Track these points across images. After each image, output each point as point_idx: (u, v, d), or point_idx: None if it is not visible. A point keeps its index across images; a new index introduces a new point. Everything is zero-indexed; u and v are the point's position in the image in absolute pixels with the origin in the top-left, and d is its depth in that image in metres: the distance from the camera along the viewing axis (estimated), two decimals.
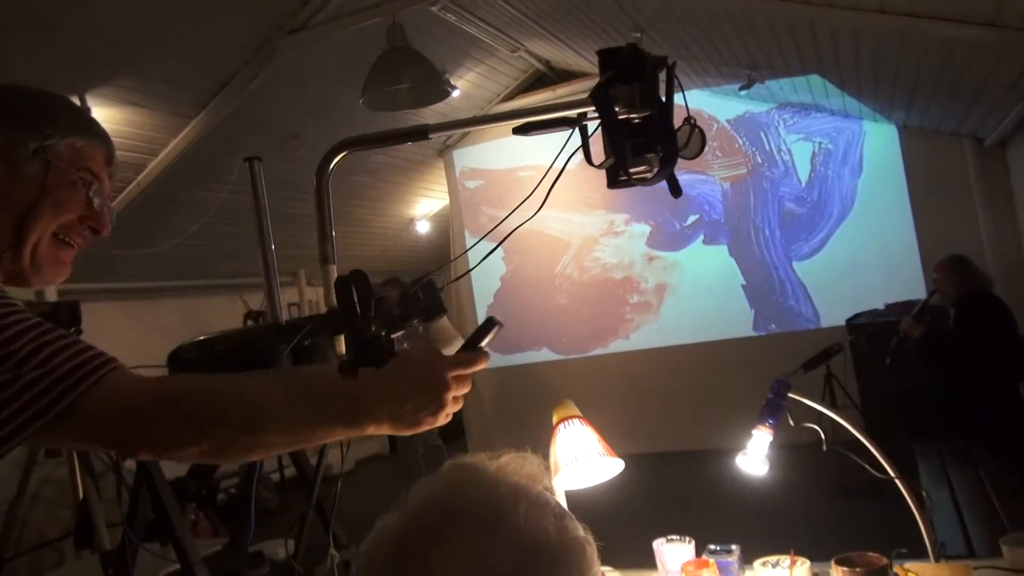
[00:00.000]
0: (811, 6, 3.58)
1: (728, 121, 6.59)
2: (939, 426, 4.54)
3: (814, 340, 5.61)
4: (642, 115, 1.20)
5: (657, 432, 6.38)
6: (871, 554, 1.35)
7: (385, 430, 0.90)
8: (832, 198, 6.29)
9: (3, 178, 0.89)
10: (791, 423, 1.46)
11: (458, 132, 8.02)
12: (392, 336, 1.26)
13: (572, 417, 1.58)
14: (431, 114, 6.13)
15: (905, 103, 5.29)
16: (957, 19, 3.26)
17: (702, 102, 6.64)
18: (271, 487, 6.46)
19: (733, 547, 1.63)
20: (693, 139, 1.31)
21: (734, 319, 6.58)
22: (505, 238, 1.43)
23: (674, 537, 1.65)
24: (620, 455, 1.53)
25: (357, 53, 4.71)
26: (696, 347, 6.66)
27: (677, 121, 1.27)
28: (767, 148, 6.49)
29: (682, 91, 1.30)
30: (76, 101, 3.98)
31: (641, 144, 1.23)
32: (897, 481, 1.42)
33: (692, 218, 6.79)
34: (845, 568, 1.32)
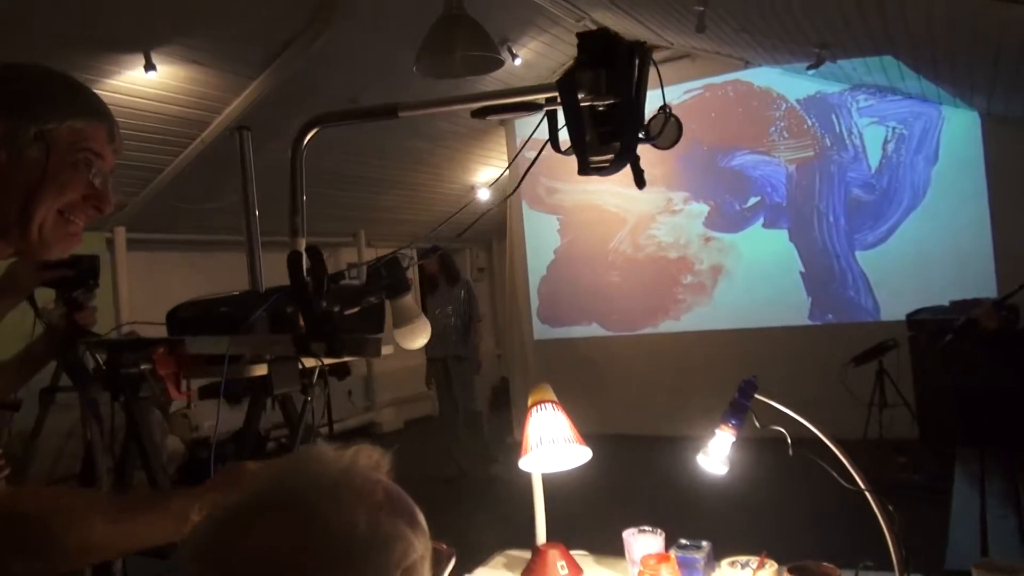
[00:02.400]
0: None
1: (798, 101, 6.33)
2: (995, 431, 4.33)
3: (872, 333, 5.43)
4: (607, 103, 1.18)
5: (701, 415, 6.29)
6: (826, 564, 1.32)
7: None
8: (903, 186, 6.00)
9: (6, 163, 0.93)
10: (757, 424, 1.42)
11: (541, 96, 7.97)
12: (347, 312, 1.30)
13: (546, 401, 1.58)
14: (492, 82, 6.10)
15: (986, 88, 4.97)
16: None
17: (772, 80, 6.41)
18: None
19: (703, 543, 1.61)
20: (668, 128, 1.28)
21: (790, 306, 6.40)
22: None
23: (646, 528, 1.64)
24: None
25: (416, 18, 4.71)
26: (748, 332, 6.52)
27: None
28: (837, 130, 6.22)
29: (660, 77, 1.26)
30: (141, 58, 4.15)
31: (607, 132, 1.20)
32: (867, 494, 1.37)
33: (753, 200, 6.60)
34: None
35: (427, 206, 8.39)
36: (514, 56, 5.94)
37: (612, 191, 7.02)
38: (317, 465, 0.65)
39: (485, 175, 8.54)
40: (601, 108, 1.19)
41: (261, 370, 1.38)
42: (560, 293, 7.46)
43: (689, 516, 2.38)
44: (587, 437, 1.62)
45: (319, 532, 0.59)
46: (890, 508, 1.36)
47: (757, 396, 1.41)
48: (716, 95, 6.69)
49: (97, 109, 1.04)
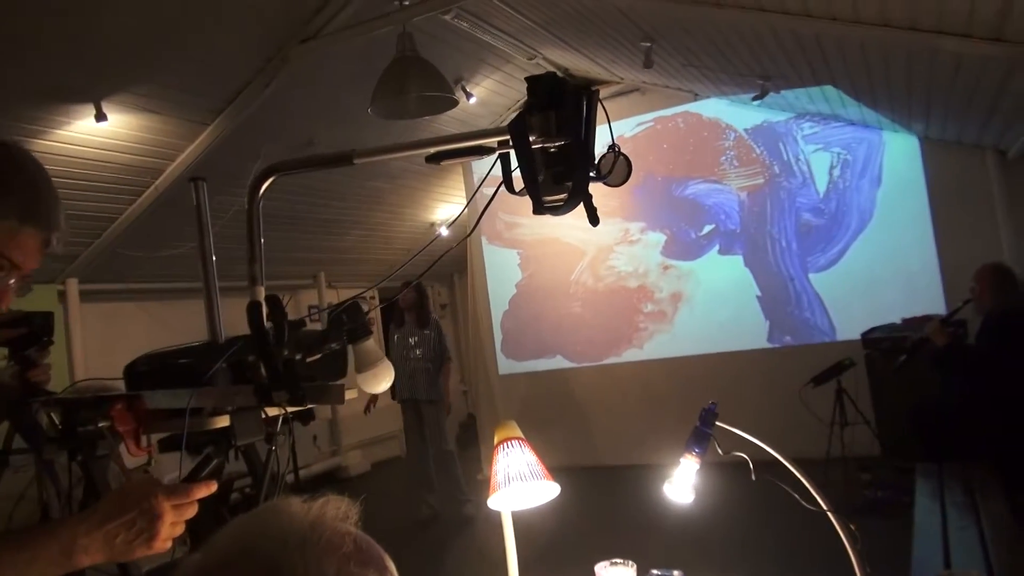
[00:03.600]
0: (814, 19, 3.54)
1: (746, 130, 6.52)
2: (953, 445, 4.43)
3: (829, 353, 5.55)
4: (558, 144, 1.21)
5: (669, 442, 6.33)
6: None
7: (99, 559, 0.97)
8: (850, 209, 6.19)
9: None
10: (719, 451, 1.45)
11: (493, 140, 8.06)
12: (309, 359, 1.30)
13: (513, 438, 1.59)
14: (450, 121, 6.18)
15: (922, 114, 5.19)
16: (961, 33, 3.20)
17: (720, 111, 6.59)
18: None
19: (675, 573, 1.63)
20: (618, 166, 1.32)
21: (749, 330, 6.51)
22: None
23: (618, 561, 1.65)
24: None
25: (370, 61, 4.77)
26: (710, 357, 6.60)
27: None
28: (785, 158, 6.41)
29: (608, 117, 1.31)
30: (91, 108, 4.12)
31: (560, 172, 1.24)
32: (829, 514, 1.40)
33: (708, 228, 6.74)
34: None
35: (387, 245, 8.39)
36: (469, 95, 6.03)
37: (571, 224, 7.11)
38: (283, 521, 0.65)
39: (444, 212, 8.58)
40: (552, 149, 1.23)
41: (223, 422, 1.36)
42: (523, 327, 7.49)
43: (660, 545, 2.39)
44: (557, 470, 1.63)
45: None
46: (852, 527, 1.39)
47: (718, 423, 1.43)
48: (667, 127, 6.85)
49: (43, 217, 1.03)
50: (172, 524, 0.98)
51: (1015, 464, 4.00)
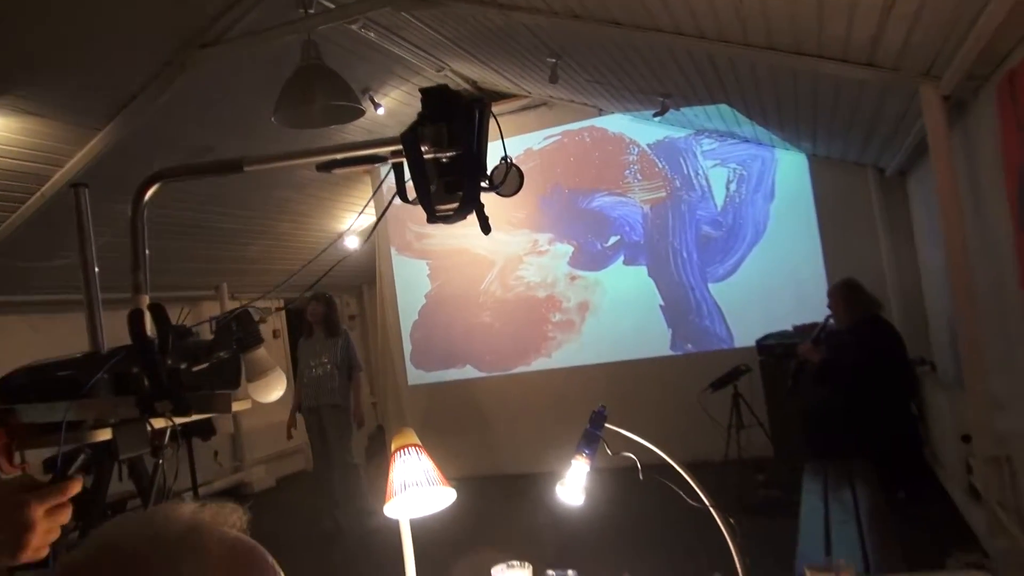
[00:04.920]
0: (708, 40, 3.71)
1: (649, 145, 6.75)
2: (835, 445, 4.70)
3: (727, 360, 5.78)
4: (450, 155, 1.24)
5: (575, 450, 6.44)
6: None
7: None
8: (746, 222, 6.49)
9: None
10: (608, 452, 1.50)
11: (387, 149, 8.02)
12: (195, 368, 1.28)
13: (409, 445, 1.60)
14: (357, 131, 6.12)
15: (809, 134, 5.50)
16: (839, 58, 3.42)
17: (624, 126, 6.80)
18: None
19: (569, 572, 1.67)
20: (510, 177, 1.35)
21: (653, 339, 6.71)
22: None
23: (514, 563, 1.68)
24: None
25: (274, 69, 4.68)
26: (616, 365, 6.77)
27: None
28: (685, 172, 6.66)
29: (500, 130, 1.35)
30: None
31: (452, 182, 1.27)
32: (712, 510, 1.48)
33: (613, 239, 6.92)
34: None
35: (293, 255, 8.21)
36: (376, 105, 5.99)
37: (480, 235, 7.11)
38: (159, 521, 0.64)
39: (353, 223, 8.47)
40: (444, 160, 1.25)
41: (104, 435, 1.32)
42: (433, 337, 7.47)
43: (556, 548, 2.44)
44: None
45: None
46: (731, 521, 1.47)
47: (608, 425, 1.49)
48: (574, 140, 7.01)
49: None
50: (46, 532, 0.94)
51: (888, 461, 4.30)
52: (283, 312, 7.92)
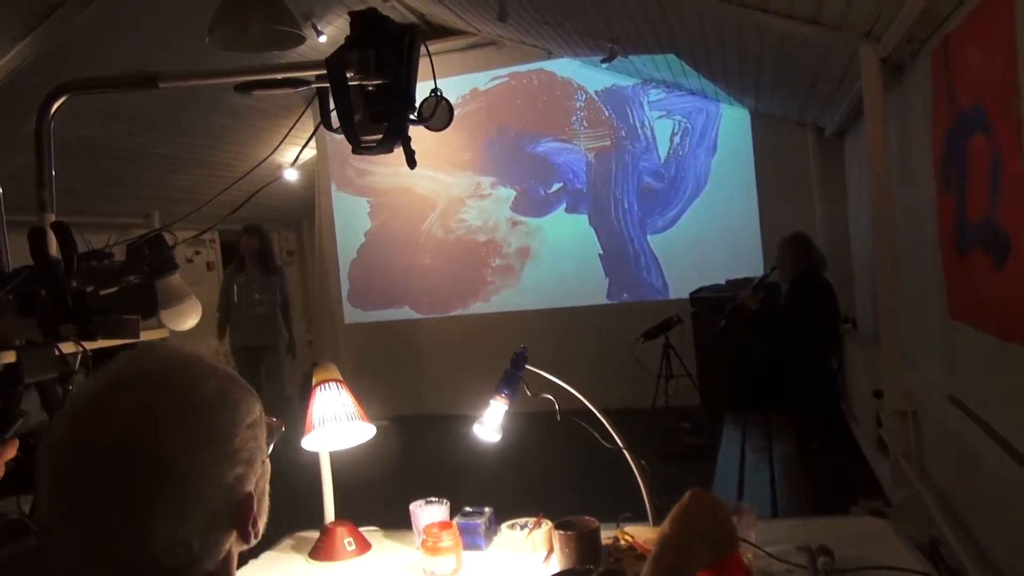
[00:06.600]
0: None
1: (596, 92, 6.70)
2: (758, 396, 4.89)
3: (662, 311, 5.89)
4: (376, 83, 1.20)
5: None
6: (587, 518, 1.44)
7: None
8: (687, 175, 6.55)
9: None
10: (528, 393, 1.52)
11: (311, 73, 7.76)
12: (103, 292, 1.23)
13: (331, 380, 1.59)
14: (296, 58, 5.88)
15: (752, 89, 5.55)
16: (784, 13, 3.43)
17: (573, 72, 6.73)
18: None
19: (485, 510, 1.70)
20: (440, 111, 1.32)
21: (590, 287, 6.79)
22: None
23: (432, 500, 1.70)
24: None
25: None
26: (553, 312, 6.83)
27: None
28: (631, 122, 6.66)
29: (431, 61, 1.31)
30: None
31: (378, 112, 1.23)
32: (625, 452, 1.52)
33: (556, 186, 6.91)
34: (561, 532, 1.42)
35: (231, 186, 7.95)
36: (319, 32, 5.77)
37: (423, 174, 7.05)
38: (167, 349, 0.75)
39: (292, 154, 8.23)
40: (371, 88, 1.21)
41: (9, 357, 1.27)
42: (371, 276, 7.40)
43: (477, 487, 2.49)
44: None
45: (173, 399, 0.68)
46: (643, 463, 1.51)
47: (528, 367, 1.50)
48: (521, 83, 6.91)
49: None
50: None
51: (806, 413, 4.50)
52: (217, 245, 7.70)
